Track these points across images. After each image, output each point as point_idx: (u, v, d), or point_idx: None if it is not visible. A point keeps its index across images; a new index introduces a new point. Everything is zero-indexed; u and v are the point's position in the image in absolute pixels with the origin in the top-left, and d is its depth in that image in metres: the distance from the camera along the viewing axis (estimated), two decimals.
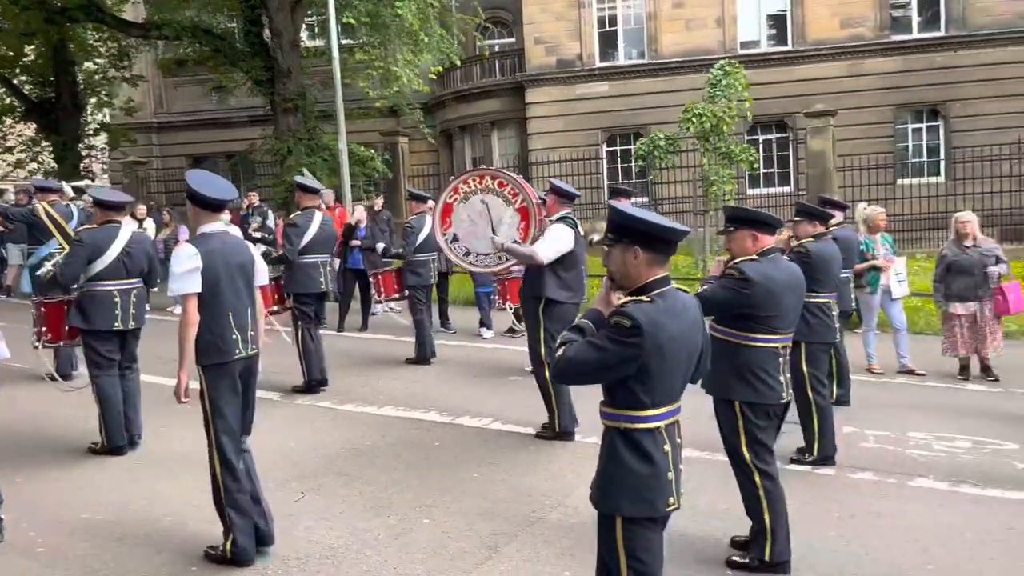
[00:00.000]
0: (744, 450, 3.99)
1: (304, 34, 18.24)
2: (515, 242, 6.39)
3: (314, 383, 7.54)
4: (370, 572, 4.05)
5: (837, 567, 4.07)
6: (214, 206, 4.14)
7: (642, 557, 2.76)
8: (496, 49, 23.13)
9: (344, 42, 17.47)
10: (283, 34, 15.86)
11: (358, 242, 10.80)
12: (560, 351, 2.81)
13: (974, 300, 8.01)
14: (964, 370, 8.28)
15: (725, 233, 4.22)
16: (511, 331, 10.39)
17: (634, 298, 2.75)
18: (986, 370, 8.22)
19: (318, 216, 7.71)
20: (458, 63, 18.20)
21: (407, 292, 9.21)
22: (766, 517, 3.96)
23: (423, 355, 8.86)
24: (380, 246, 10.05)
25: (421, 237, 8.89)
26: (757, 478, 3.97)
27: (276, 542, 4.23)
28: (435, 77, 18.82)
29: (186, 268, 3.96)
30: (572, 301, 6.12)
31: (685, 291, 2.92)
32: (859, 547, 4.29)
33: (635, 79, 20.90)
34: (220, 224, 4.22)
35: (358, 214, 11.09)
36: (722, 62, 13.96)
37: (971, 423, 6.60)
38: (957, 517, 4.70)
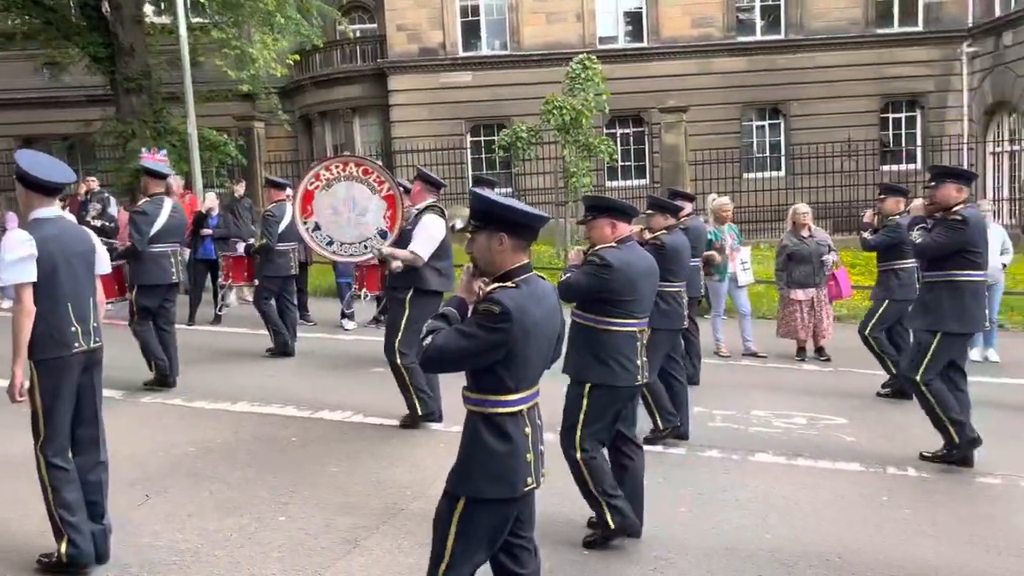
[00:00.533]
0: (578, 429, 4.08)
1: (150, 9, 17.12)
2: (383, 235, 6.30)
3: (163, 376, 7.13)
4: (221, 575, 3.87)
5: (685, 542, 4.26)
6: (49, 189, 3.80)
7: (472, 538, 2.80)
8: (357, 34, 22.63)
9: (195, 20, 16.59)
10: (123, 8, 14.82)
11: (209, 231, 10.29)
12: (427, 340, 2.80)
13: (812, 287, 8.61)
14: (801, 351, 8.90)
15: (585, 222, 4.33)
16: (376, 321, 10.24)
17: (500, 284, 2.78)
18: (820, 351, 8.87)
19: (167, 203, 7.28)
20: (320, 44, 17.66)
21: (256, 281, 8.86)
22: (592, 489, 4.06)
23: (282, 343, 8.54)
24: (241, 246, 9.62)
25: (282, 226, 8.58)
26: (578, 455, 4.06)
27: (118, 549, 3.97)
28: (293, 63, 18.15)
29: (19, 255, 3.63)
30: (444, 289, 6.12)
31: (543, 278, 2.98)
32: (705, 521, 4.52)
33: (498, 70, 21.05)
34: (55, 209, 3.89)
35: (209, 202, 10.58)
36: (581, 56, 14.30)
37: (806, 401, 7.10)
38: (793, 488, 5.04)
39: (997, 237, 8.43)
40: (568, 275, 4.23)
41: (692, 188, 14.51)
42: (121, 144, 15.48)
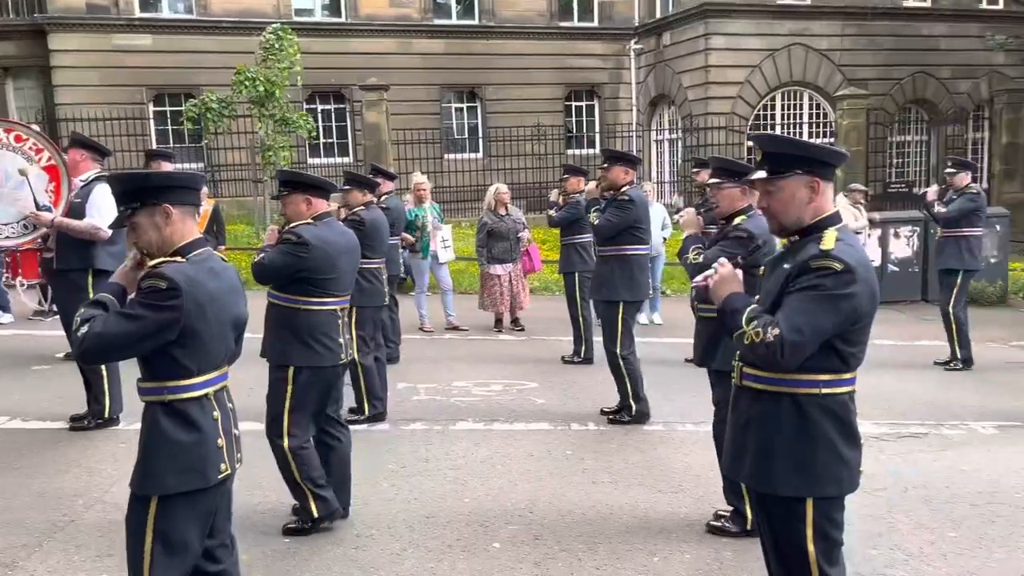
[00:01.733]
0: (285, 416, 3.95)
1: None
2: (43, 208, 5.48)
3: None
4: None
5: (387, 516, 4.29)
6: None
7: (173, 537, 2.55)
8: None
9: None
10: None
11: None
12: (83, 329, 2.48)
13: (510, 262, 9.11)
14: (498, 323, 9.41)
15: (279, 197, 4.16)
16: (42, 313, 9.00)
17: (165, 259, 2.53)
18: (515, 322, 9.45)
19: None
20: None
21: None
22: (298, 479, 3.96)
23: None
24: None
25: None
26: (286, 444, 3.94)
27: None
28: None
29: None
30: None
31: (222, 258, 2.78)
32: (409, 493, 4.60)
33: (183, 35, 19.38)
34: None
35: None
36: (275, 26, 13.68)
37: (503, 369, 7.53)
38: (490, 452, 5.31)
39: (658, 215, 9.58)
40: (262, 255, 4.02)
41: (395, 167, 14.61)
42: None
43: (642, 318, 9.28)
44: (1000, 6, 21.09)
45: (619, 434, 5.71)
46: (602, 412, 6.10)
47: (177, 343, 2.49)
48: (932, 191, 8.02)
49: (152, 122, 19.27)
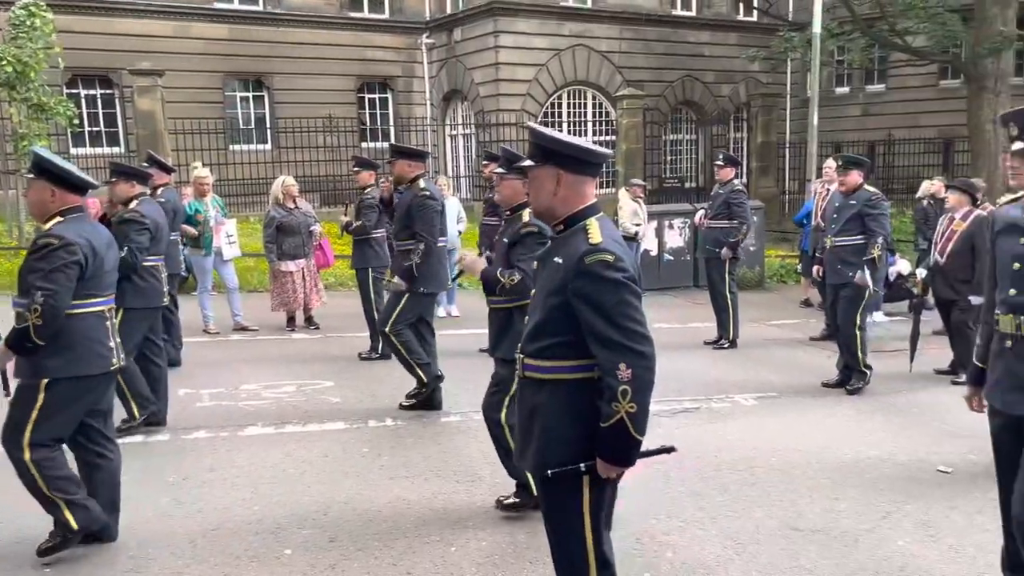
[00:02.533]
0: (28, 427, 3.54)
1: None
2: None
3: None
4: None
5: (166, 533, 4.00)
6: None
7: None
8: None
9: None
10: None
11: None
12: None
13: (302, 257, 8.78)
14: (291, 321, 9.07)
15: (28, 177, 3.75)
16: None
17: None
18: (309, 320, 9.15)
19: None
20: None
21: None
22: (46, 490, 3.58)
23: None
24: None
25: None
26: (26, 456, 3.55)
27: None
28: None
29: None
30: None
31: None
32: (191, 506, 4.31)
33: None
34: None
35: None
36: (26, 1, 12.26)
37: (297, 368, 7.27)
38: (282, 455, 5.10)
39: (453, 208, 9.66)
40: (38, 295, 3.45)
41: (174, 158, 13.63)
42: None
43: (440, 311, 9.33)
44: (754, 18, 23.41)
45: (417, 428, 5.70)
46: (401, 407, 6.07)
47: None
48: (701, 219, 8.78)
49: None
